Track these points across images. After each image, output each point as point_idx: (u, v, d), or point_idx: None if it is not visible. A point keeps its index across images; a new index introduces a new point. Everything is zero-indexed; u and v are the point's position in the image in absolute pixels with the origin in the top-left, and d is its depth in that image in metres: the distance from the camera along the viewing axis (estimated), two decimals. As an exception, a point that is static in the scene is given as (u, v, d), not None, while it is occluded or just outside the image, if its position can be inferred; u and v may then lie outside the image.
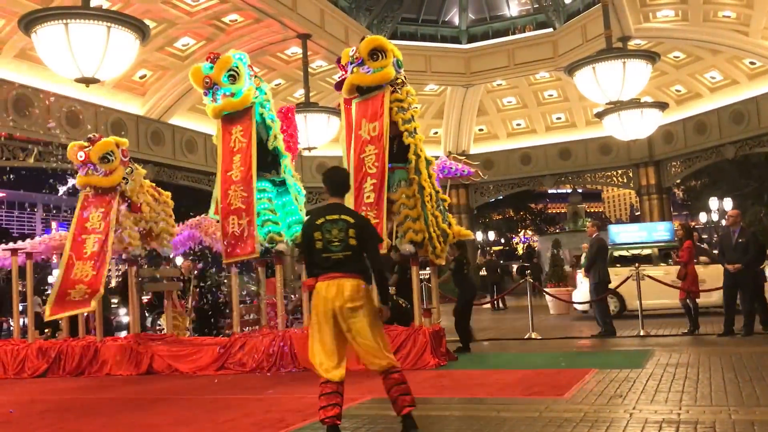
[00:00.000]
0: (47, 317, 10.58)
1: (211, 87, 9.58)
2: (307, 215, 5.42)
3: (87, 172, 10.64)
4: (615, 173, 28.03)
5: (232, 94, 9.52)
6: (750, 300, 10.20)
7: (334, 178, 5.28)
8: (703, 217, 40.20)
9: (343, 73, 9.72)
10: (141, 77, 20.01)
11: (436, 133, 28.66)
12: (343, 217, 5.03)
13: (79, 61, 11.42)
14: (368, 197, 8.99)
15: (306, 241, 5.07)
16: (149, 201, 11.22)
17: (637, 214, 56.33)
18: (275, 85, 21.74)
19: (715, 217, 35.61)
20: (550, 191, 60.75)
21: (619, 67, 16.03)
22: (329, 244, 4.93)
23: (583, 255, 17.70)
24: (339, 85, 9.83)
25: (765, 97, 22.01)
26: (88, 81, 11.68)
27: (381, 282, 5.20)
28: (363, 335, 4.94)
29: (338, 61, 9.96)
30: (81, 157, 10.63)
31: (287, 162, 10.25)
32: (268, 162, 10.09)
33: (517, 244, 66.57)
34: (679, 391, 6.22)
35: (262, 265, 10.74)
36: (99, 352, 10.39)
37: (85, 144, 10.76)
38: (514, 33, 26.04)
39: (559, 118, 28.22)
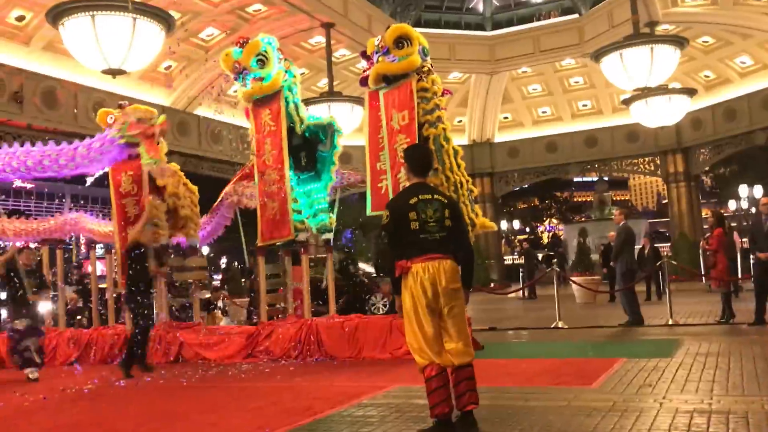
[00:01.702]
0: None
1: (240, 72, 9.69)
2: (394, 198, 5.14)
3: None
4: (642, 161, 27.73)
5: (261, 79, 9.62)
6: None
7: (416, 155, 5.05)
8: (732, 204, 39.60)
9: (368, 66, 9.71)
10: (166, 68, 20.17)
11: (460, 121, 28.53)
12: (436, 197, 4.80)
13: (106, 53, 11.53)
14: (403, 185, 8.97)
15: (398, 222, 4.72)
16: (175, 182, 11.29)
17: (664, 202, 55.66)
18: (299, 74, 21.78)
19: (744, 204, 35.05)
20: (575, 179, 60.30)
21: (646, 53, 15.80)
22: (425, 225, 4.66)
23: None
24: (364, 81, 9.81)
25: (797, 81, 21.60)
26: (114, 72, 11.79)
27: (469, 264, 4.96)
28: (461, 319, 4.72)
29: (363, 53, 9.94)
30: (110, 120, 10.85)
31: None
32: (294, 147, 10.11)
33: (542, 232, 66.12)
34: (709, 380, 6.14)
35: (288, 253, 10.79)
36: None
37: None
38: (539, 19, 25.80)
39: (585, 105, 27.95)
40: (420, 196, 4.73)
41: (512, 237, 53.71)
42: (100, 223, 12.32)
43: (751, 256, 10.75)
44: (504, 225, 35.40)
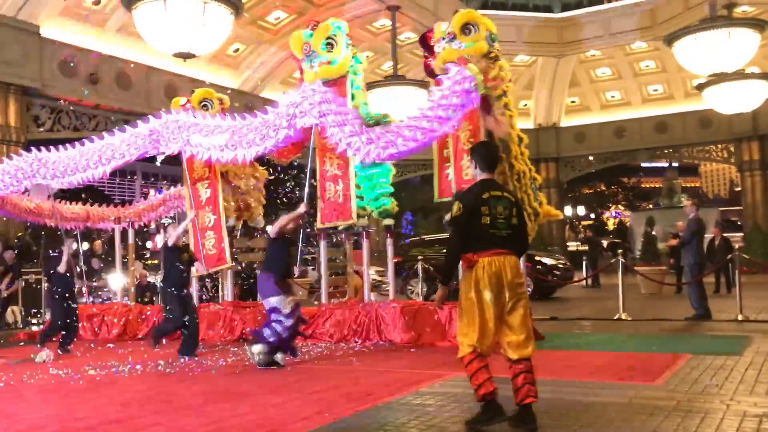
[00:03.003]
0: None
1: (309, 54, 9.80)
2: (467, 191, 5.13)
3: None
4: (715, 148, 26.82)
5: (329, 62, 9.72)
6: None
7: (485, 152, 5.09)
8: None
9: (428, 55, 9.71)
10: (235, 51, 20.51)
11: (526, 105, 28.10)
12: (505, 194, 4.92)
13: (177, 37, 11.83)
14: (466, 174, 8.95)
15: (470, 216, 4.75)
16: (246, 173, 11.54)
17: (737, 190, 53.56)
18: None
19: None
20: (643, 165, 58.57)
21: (723, 37, 15.24)
22: (495, 220, 4.76)
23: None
24: (429, 70, 9.81)
25: None
26: (184, 56, 12.09)
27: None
28: (524, 312, 4.76)
29: (422, 41, 9.88)
30: (182, 101, 11.13)
31: None
32: None
33: (607, 219, 64.65)
34: (781, 382, 5.94)
35: (348, 238, 10.91)
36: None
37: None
38: (610, 1, 25.06)
39: (656, 90, 27.14)
40: (492, 192, 4.81)
41: (576, 223, 52.71)
42: None
43: None
44: (568, 211, 34.76)
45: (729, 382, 6.00)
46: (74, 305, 9.70)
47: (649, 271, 16.30)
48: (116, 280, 12.55)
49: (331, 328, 9.80)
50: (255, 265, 11.73)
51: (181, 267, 8.90)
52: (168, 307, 8.99)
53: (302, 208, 7.86)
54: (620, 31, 24.09)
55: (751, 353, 7.45)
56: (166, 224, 10.08)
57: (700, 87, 19.38)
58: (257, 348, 7.66)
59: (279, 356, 7.74)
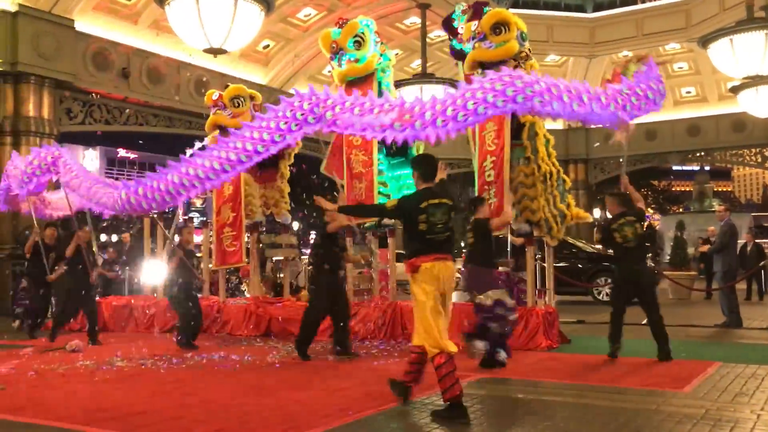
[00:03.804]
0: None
1: (337, 52, 9.81)
2: (409, 197, 5.57)
3: (216, 112, 11.12)
4: (749, 152, 26.33)
5: (356, 60, 9.73)
6: None
7: (426, 166, 5.56)
8: None
9: (451, 37, 9.67)
10: (264, 47, 20.60)
11: (556, 105, 27.84)
12: (444, 201, 5.33)
13: (208, 32, 11.89)
14: (489, 175, 8.90)
15: (407, 220, 5.32)
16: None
17: (771, 195, 52.58)
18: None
19: None
20: (674, 168, 57.78)
21: (760, 39, 14.93)
22: (433, 227, 5.21)
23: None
24: (457, 54, 9.74)
25: None
26: (215, 51, 12.16)
27: None
28: (448, 315, 5.33)
29: (444, 23, 9.84)
30: (215, 96, 11.16)
31: None
32: None
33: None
34: (813, 393, 5.81)
35: (375, 235, 10.91)
36: (222, 312, 10.93)
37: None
38: (644, 1, 24.70)
39: (688, 92, 26.71)
40: (430, 201, 5.27)
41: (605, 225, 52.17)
42: None
43: None
44: (597, 213, 34.36)
45: (760, 391, 5.88)
46: (91, 295, 9.88)
47: (678, 276, 16.07)
48: (147, 273, 12.67)
49: (356, 325, 9.80)
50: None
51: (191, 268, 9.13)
52: (178, 309, 9.15)
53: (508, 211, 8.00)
54: (654, 32, 23.73)
55: (782, 362, 7.30)
56: (179, 226, 10.09)
57: (735, 90, 19.02)
58: (481, 344, 7.26)
59: (503, 355, 7.30)
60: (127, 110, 17.91)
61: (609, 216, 8.33)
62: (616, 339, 7.74)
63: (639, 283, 7.77)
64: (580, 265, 16.27)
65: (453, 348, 5.14)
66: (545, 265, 9.76)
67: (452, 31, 9.73)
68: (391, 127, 6.45)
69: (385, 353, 8.43)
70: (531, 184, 8.75)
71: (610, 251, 7.98)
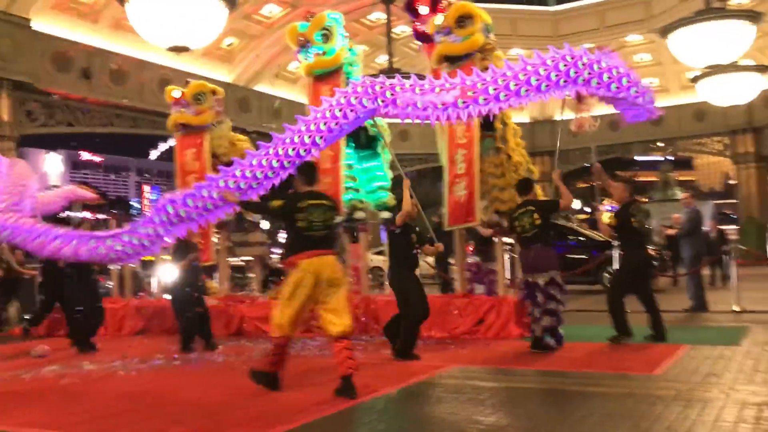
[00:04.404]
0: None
1: (304, 45, 9.77)
2: (291, 197, 5.94)
3: (179, 111, 11.03)
4: (710, 141, 26.87)
5: (324, 53, 9.68)
6: None
7: (309, 172, 6.04)
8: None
9: (414, 20, 9.70)
10: (228, 45, 20.42)
11: (521, 98, 28.05)
12: (324, 202, 5.87)
13: (170, 30, 11.76)
14: (460, 168, 8.93)
15: (287, 219, 5.78)
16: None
17: (731, 183, 53.63)
18: (358, 51, 21.80)
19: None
20: (639, 158, 58.61)
21: (718, 29, 15.22)
22: (312, 224, 5.69)
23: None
24: (419, 36, 9.79)
25: None
26: (179, 49, 12.02)
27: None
28: (342, 297, 5.71)
29: (407, 7, 9.88)
30: (177, 94, 11.03)
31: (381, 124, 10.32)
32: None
33: (602, 213, 64.73)
34: (779, 372, 5.94)
35: (347, 231, 10.87)
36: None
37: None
38: (605, -7, 25.02)
39: (651, 83, 26.86)
40: (310, 201, 5.75)
41: (571, 216, 52.80)
42: None
43: None
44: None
45: (728, 371, 6.00)
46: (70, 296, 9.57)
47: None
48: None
49: (328, 322, 9.76)
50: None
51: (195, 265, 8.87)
52: (180, 308, 8.89)
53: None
54: (616, 23, 24.06)
55: (748, 343, 7.46)
56: None
57: (695, 79, 19.40)
58: (547, 321, 7.41)
59: (551, 340, 7.45)
60: (90, 111, 17.62)
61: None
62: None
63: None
64: (585, 256, 15.84)
65: (291, 333, 5.74)
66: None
67: (414, 13, 9.77)
68: (455, 105, 6.37)
69: (360, 347, 8.41)
70: (500, 175, 8.80)
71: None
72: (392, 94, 6.49)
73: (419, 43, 10.25)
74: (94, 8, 16.91)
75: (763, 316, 10.05)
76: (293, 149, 6.53)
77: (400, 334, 7.43)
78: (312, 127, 6.53)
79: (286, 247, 5.92)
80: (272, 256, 21.19)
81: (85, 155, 76.21)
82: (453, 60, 9.21)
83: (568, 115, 8.07)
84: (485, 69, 8.82)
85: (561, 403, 5.14)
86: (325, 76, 9.91)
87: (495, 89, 6.23)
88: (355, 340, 8.92)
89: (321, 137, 6.52)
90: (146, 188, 77.58)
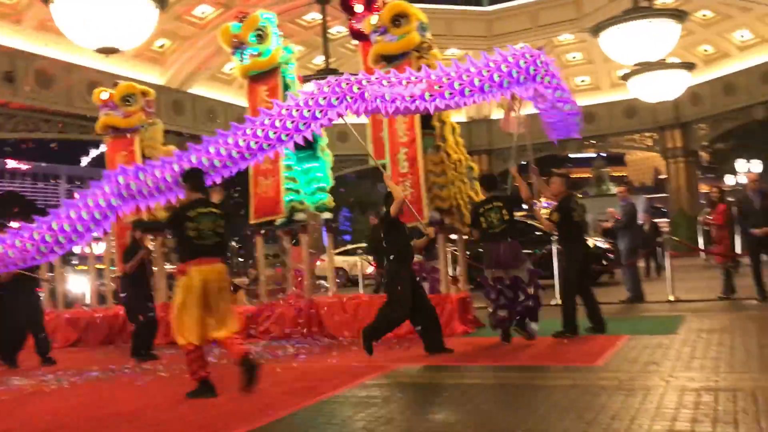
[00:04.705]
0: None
1: (238, 46, 9.59)
2: (181, 208, 6.00)
3: (107, 113, 10.75)
4: (640, 136, 27.64)
5: (260, 54, 9.53)
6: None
7: (196, 179, 6.07)
8: (729, 180, 39.58)
9: (350, 18, 9.69)
10: (160, 46, 19.94)
11: (458, 98, 28.32)
12: (213, 210, 5.90)
13: (98, 31, 11.37)
14: (403, 167, 8.90)
15: (176, 228, 5.85)
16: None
17: (661, 177, 55.48)
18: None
19: (743, 180, 34.96)
20: (573, 156, 60.00)
21: (645, 27, 15.65)
22: (202, 233, 5.75)
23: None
24: (356, 35, 9.78)
25: (796, 55, 21.43)
26: (107, 51, 11.65)
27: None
28: (228, 306, 5.91)
29: (343, 5, 9.86)
30: (105, 96, 10.71)
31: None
32: None
33: (539, 209, 65.97)
34: (714, 357, 6.10)
35: (287, 233, 10.72)
36: (127, 323, 10.46)
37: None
38: (537, -7, 25.46)
39: (583, 81, 27.74)
40: (199, 210, 5.81)
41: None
42: None
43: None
44: (501, 202, 35.30)
45: (666, 359, 6.13)
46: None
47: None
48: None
49: (272, 326, 9.62)
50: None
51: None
52: (132, 312, 8.58)
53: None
54: (548, 23, 24.49)
55: (684, 331, 7.65)
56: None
57: (625, 77, 19.91)
58: (536, 325, 7.64)
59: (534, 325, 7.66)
60: (16, 116, 16.92)
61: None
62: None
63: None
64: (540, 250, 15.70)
65: (199, 342, 5.71)
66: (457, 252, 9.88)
67: (350, 11, 9.74)
68: (422, 97, 6.45)
69: (303, 351, 8.30)
70: (440, 172, 8.82)
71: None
72: (360, 88, 6.56)
73: (356, 42, 10.20)
74: (17, 8, 16.23)
75: (697, 304, 10.36)
76: (255, 142, 6.47)
77: (378, 323, 7.30)
78: (277, 123, 6.47)
79: (178, 253, 5.98)
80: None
81: (11, 163, 73.40)
82: (390, 59, 9.18)
83: (501, 114, 8.19)
84: (421, 68, 8.94)
85: (508, 397, 5.15)
86: (262, 76, 9.75)
87: (460, 84, 6.38)
88: (298, 344, 8.88)
89: (287, 134, 6.50)
90: (77, 196, 75.20)
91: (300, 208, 9.80)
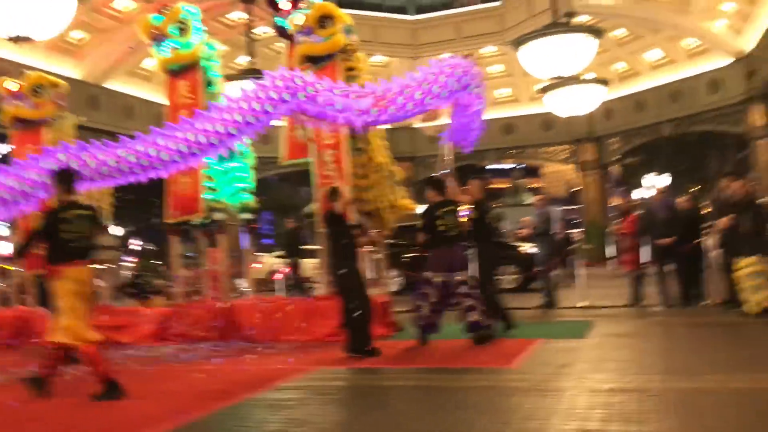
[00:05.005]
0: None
1: (158, 38, 9.33)
2: (50, 211, 5.92)
3: (14, 104, 10.23)
4: (556, 149, 28.48)
5: (180, 47, 9.28)
6: (683, 273, 10.49)
7: (68, 180, 5.96)
8: (638, 193, 41.33)
9: (274, 13, 9.64)
10: (78, 39, 19.19)
11: (382, 105, 28.48)
12: (85, 212, 5.86)
13: (10, 19, 10.83)
14: (329, 169, 8.84)
15: (49, 231, 5.71)
16: None
17: (574, 190, 57.44)
18: (218, 51, 21.20)
19: (651, 193, 36.51)
20: (492, 166, 61.35)
21: (564, 43, 16.15)
22: (71, 234, 5.69)
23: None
24: (280, 32, 9.72)
25: (701, 76, 22.62)
26: (20, 40, 11.10)
27: None
28: (85, 314, 5.73)
29: (268, 2, 9.81)
30: (12, 86, 10.19)
31: None
32: None
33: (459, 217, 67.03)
34: (623, 360, 6.34)
35: (204, 234, 10.46)
36: (30, 322, 9.97)
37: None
38: (462, 5, 25.94)
39: (503, 93, 28.37)
40: (71, 212, 5.75)
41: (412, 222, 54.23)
42: None
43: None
44: (422, 209, 35.70)
45: (578, 362, 6.32)
46: None
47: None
48: None
49: (187, 328, 9.36)
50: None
51: None
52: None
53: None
54: (471, 35, 24.96)
55: (595, 335, 7.92)
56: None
57: (542, 91, 20.48)
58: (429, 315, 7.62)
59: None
60: None
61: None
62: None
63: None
64: None
65: (95, 337, 5.65)
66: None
67: (275, 7, 9.64)
68: (368, 112, 6.47)
69: (218, 354, 8.11)
70: (363, 175, 8.82)
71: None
72: (314, 91, 6.54)
73: (281, 44, 10.11)
74: None
75: (606, 310, 10.75)
76: (205, 136, 6.33)
77: (351, 329, 7.20)
78: (227, 117, 6.34)
79: (50, 255, 5.77)
80: (125, 263, 20.15)
81: None
82: (315, 60, 9.14)
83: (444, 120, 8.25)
84: (348, 70, 8.96)
85: (426, 399, 5.18)
86: (182, 71, 9.52)
87: (404, 99, 6.44)
88: (213, 346, 8.68)
89: (236, 128, 6.37)
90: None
91: (218, 207, 9.59)
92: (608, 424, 4.21)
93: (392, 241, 17.12)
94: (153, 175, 6.50)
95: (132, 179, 6.70)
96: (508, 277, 15.17)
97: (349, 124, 6.76)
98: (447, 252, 7.56)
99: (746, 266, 8.76)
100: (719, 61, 21.75)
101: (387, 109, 6.41)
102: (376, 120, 6.56)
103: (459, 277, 7.52)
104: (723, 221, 9.07)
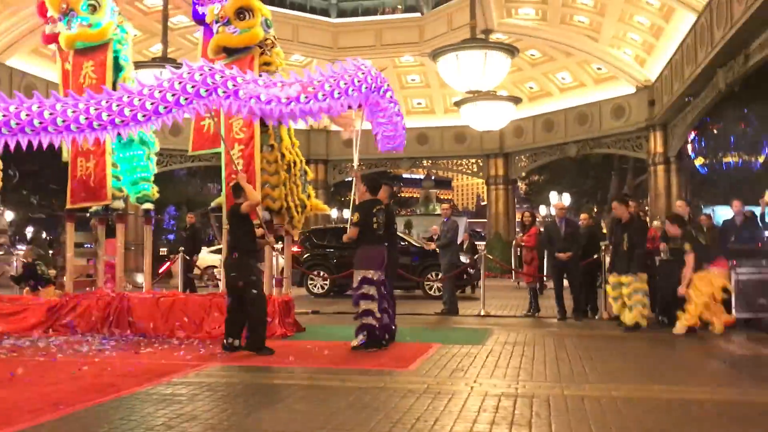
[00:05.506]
0: None
1: (67, 13, 8.85)
2: None
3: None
4: (467, 162, 28.99)
5: (90, 25, 8.85)
6: (578, 287, 10.91)
7: None
8: (542, 210, 42.77)
9: (196, 2, 9.44)
10: (-24, 11, 18.09)
11: (298, 105, 28.26)
12: None
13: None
14: (238, 164, 8.63)
15: None
16: None
17: (482, 204, 58.87)
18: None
19: (554, 211, 37.87)
20: (404, 175, 62.12)
21: (480, 57, 16.49)
22: None
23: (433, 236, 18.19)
24: (199, 20, 9.53)
25: (607, 102, 23.59)
26: None
27: None
28: None
29: None
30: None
31: None
32: None
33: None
34: (516, 367, 6.49)
35: (102, 222, 10.05)
36: None
37: None
38: (383, 13, 26.11)
39: (419, 104, 28.72)
40: None
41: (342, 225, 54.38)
42: None
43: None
44: (335, 213, 35.62)
45: (473, 367, 6.44)
46: None
47: (405, 271, 17.10)
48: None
49: (77, 319, 8.95)
50: None
51: None
52: None
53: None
54: (391, 43, 25.12)
55: (491, 343, 8.09)
56: None
57: (458, 103, 20.83)
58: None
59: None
60: None
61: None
62: None
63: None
64: (409, 261, 15.69)
65: None
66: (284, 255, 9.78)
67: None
68: (297, 99, 6.44)
69: (109, 347, 7.79)
70: (273, 172, 8.69)
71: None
72: (235, 86, 6.46)
73: (198, 35, 9.83)
74: None
75: (504, 320, 11.02)
76: (107, 114, 6.11)
77: (252, 328, 7.12)
78: (136, 102, 6.16)
79: None
80: (20, 250, 19.14)
81: None
82: (231, 51, 8.96)
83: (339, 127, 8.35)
84: (264, 64, 8.82)
85: (320, 398, 5.13)
86: (89, 50, 9.10)
87: (330, 86, 6.62)
88: (105, 339, 8.34)
89: (144, 115, 6.18)
90: None
91: (119, 195, 9.23)
92: (496, 427, 4.29)
93: (318, 243, 17.08)
94: (45, 139, 6.23)
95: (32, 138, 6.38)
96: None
97: (273, 116, 6.70)
98: (379, 250, 7.58)
99: (626, 284, 9.36)
100: (624, 88, 22.74)
101: (317, 95, 6.49)
102: (309, 110, 6.56)
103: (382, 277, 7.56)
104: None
